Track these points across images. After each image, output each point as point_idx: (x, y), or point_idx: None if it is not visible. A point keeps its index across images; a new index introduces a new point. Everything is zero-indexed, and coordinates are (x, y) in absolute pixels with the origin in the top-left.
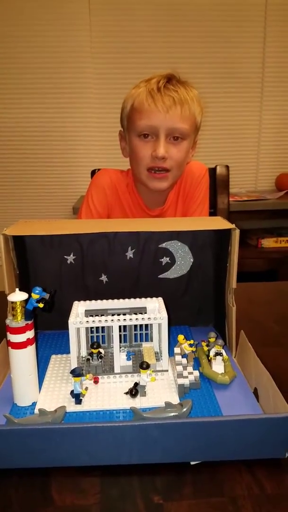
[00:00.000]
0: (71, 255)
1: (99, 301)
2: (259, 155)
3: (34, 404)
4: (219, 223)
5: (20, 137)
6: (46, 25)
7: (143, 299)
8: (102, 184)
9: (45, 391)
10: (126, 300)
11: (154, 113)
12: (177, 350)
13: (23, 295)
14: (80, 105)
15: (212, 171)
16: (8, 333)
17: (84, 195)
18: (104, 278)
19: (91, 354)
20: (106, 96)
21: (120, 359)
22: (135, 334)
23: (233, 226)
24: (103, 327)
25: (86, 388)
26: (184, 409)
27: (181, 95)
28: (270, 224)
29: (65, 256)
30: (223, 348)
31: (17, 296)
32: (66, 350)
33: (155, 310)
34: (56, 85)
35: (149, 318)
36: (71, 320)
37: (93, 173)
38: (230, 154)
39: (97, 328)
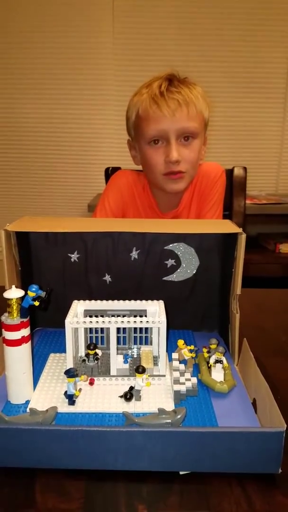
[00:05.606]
0: (75, 253)
1: (99, 301)
2: (281, 157)
3: (27, 402)
4: (227, 226)
5: (38, 133)
6: (69, 25)
7: (144, 301)
8: (119, 184)
9: (39, 389)
10: (127, 301)
11: (161, 118)
12: (175, 355)
13: (19, 292)
14: (98, 103)
15: (229, 173)
16: (3, 330)
17: (101, 193)
18: (107, 278)
19: (87, 355)
20: (125, 95)
21: (117, 361)
22: (134, 336)
23: (240, 230)
24: (102, 328)
25: (80, 390)
26: (178, 417)
27: (185, 95)
28: None
29: (69, 254)
30: (224, 355)
31: (13, 293)
32: (65, 349)
33: (155, 313)
34: (76, 83)
35: (147, 321)
36: (68, 320)
37: (106, 171)
38: (251, 156)
39: (96, 328)
